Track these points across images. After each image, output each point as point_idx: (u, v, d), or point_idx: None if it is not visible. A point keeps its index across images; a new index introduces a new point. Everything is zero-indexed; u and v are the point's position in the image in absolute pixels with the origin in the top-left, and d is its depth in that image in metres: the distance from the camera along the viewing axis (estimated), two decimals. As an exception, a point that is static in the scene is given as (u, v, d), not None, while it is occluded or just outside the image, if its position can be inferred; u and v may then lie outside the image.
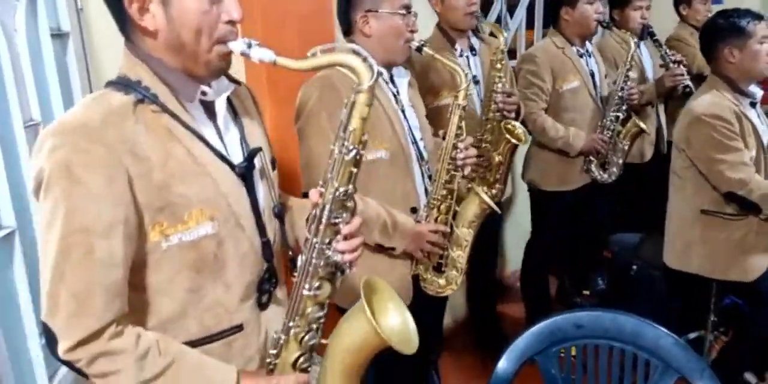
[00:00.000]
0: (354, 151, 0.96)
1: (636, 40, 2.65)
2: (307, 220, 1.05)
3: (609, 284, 2.93)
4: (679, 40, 3.28)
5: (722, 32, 2.04)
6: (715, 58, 2.09)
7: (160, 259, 0.96)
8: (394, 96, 1.65)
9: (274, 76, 1.84)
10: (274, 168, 1.15)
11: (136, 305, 0.97)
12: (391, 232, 1.57)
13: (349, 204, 1.00)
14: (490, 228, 2.43)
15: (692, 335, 2.39)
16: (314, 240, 1.00)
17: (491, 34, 2.33)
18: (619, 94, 2.55)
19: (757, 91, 2.08)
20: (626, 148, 2.63)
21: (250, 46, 0.95)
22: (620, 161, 2.62)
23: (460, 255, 1.69)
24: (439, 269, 1.74)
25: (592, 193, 2.65)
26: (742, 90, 2.06)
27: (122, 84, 0.96)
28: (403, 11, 1.57)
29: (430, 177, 1.69)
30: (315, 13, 1.91)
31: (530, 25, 3.48)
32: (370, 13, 1.57)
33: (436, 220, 1.67)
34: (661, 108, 3.10)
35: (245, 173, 1.04)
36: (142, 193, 0.92)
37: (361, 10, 1.58)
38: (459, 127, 1.62)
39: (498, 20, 3.18)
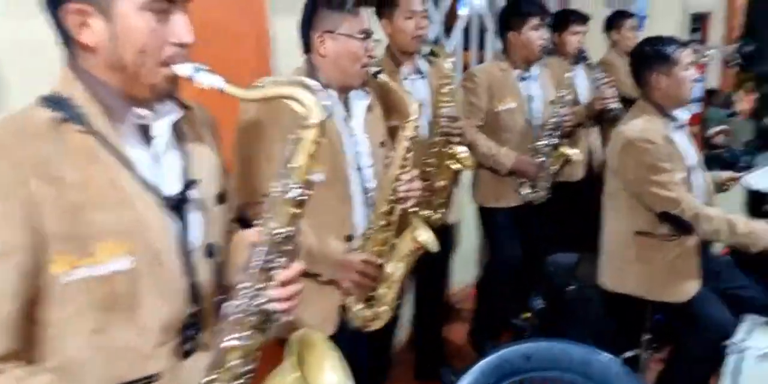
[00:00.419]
0: (296, 191, 0.90)
1: (572, 70, 2.76)
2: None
3: (547, 304, 2.94)
4: (609, 64, 3.42)
5: (649, 59, 2.11)
6: (643, 84, 2.16)
7: (63, 293, 0.86)
8: (345, 120, 1.59)
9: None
10: (222, 202, 1.06)
11: (36, 341, 0.87)
12: (318, 258, 1.50)
13: (288, 247, 0.92)
14: (441, 248, 2.40)
15: (628, 354, 2.42)
16: (246, 286, 0.91)
17: (432, 54, 2.33)
18: (553, 120, 2.60)
19: (683, 116, 2.16)
20: (554, 172, 2.68)
21: (197, 70, 0.90)
22: (548, 184, 2.67)
23: (389, 290, 1.62)
24: (367, 302, 1.67)
25: (527, 212, 2.68)
26: (669, 114, 2.13)
27: (51, 100, 0.89)
28: (361, 35, 1.52)
29: (372, 206, 1.63)
30: (250, 35, 1.81)
31: (467, 46, 3.52)
32: (328, 34, 1.52)
33: (371, 250, 1.60)
34: (595, 130, 3.19)
35: (177, 206, 0.95)
36: (49, 218, 0.83)
37: (319, 30, 1.53)
38: (404, 159, 1.57)
39: (435, 42, 3.19)
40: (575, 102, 3.09)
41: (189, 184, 0.97)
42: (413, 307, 2.67)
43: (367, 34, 1.53)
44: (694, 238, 2.06)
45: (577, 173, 3.12)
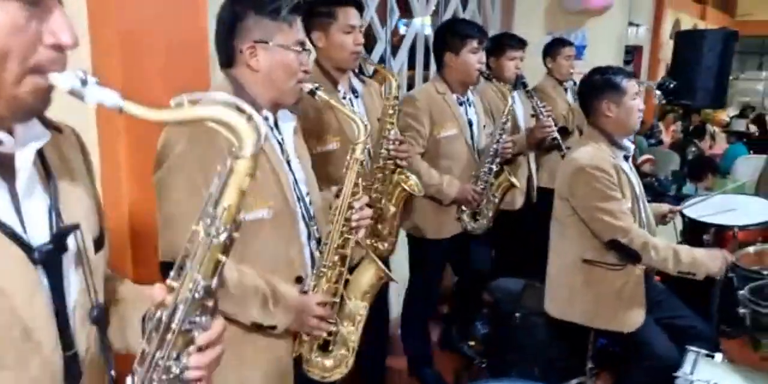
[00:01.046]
0: (225, 234, 0.72)
1: (512, 96, 2.73)
2: (144, 320, 0.79)
3: (492, 330, 2.90)
4: (543, 91, 3.46)
5: (600, 88, 2.13)
6: (593, 112, 2.16)
7: None
8: (280, 144, 1.41)
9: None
10: (99, 248, 0.86)
11: None
12: (272, 308, 1.32)
13: (209, 303, 0.75)
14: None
15: (574, 382, 2.40)
16: (156, 354, 0.75)
17: (372, 75, 2.23)
18: (494, 146, 2.55)
19: (630, 146, 2.18)
20: (497, 200, 2.63)
21: (84, 83, 0.68)
22: (490, 213, 2.61)
23: (351, 331, 1.48)
24: (325, 348, 1.51)
25: (467, 240, 2.62)
26: (618, 143, 2.15)
27: None
28: (298, 47, 1.35)
29: (318, 240, 1.47)
30: (188, 43, 1.64)
31: (411, 65, 3.49)
32: (260, 45, 1.32)
33: (323, 290, 1.44)
34: (532, 156, 3.21)
35: (48, 260, 0.75)
36: None
37: (248, 40, 1.32)
38: (356, 185, 1.42)
39: (381, 60, 3.13)
40: (516, 129, 3.09)
41: (64, 231, 0.77)
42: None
43: (302, 46, 1.36)
44: (640, 267, 2.07)
45: (518, 201, 3.10)
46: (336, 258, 1.43)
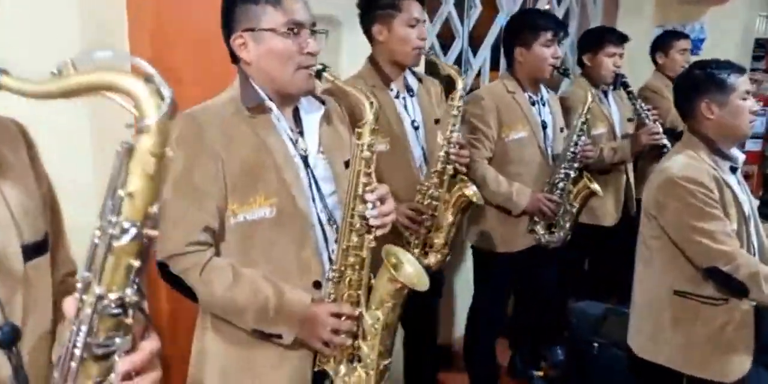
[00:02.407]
0: (132, 233, 0.57)
1: (596, 90, 2.39)
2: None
3: (568, 357, 2.58)
4: (654, 91, 3.06)
5: (700, 85, 1.77)
6: (690, 114, 1.81)
7: None
8: (292, 140, 1.29)
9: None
10: (39, 253, 0.78)
11: None
12: (273, 315, 1.21)
13: (127, 320, 0.61)
14: (431, 288, 2.11)
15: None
16: None
17: (434, 74, 2.05)
18: (572, 149, 2.24)
19: (739, 155, 1.80)
20: (575, 210, 2.31)
21: None
22: (568, 225, 2.31)
23: (365, 347, 1.29)
24: (352, 362, 1.34)
25: (542, 254, 2.33)
26: (722, 152, 1.78)
27: None
28: (287, 29, 1.20)
29: None
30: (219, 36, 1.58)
31: (495, 65, 3.22)
32: (248, 33, 1.21)
33: (342, 298, 1.29)
34: (630, 166, 2.82)
35: None
36: None
37: (237, 29, 1.22)
38: (367, 174, 1.24)
39: (459, 59, 2.91)
40: (613, 135, 2.74)
41: None
42: (403, 357, 2.34)
43: (298, 26, 1.21)
44: (748, 303, 1.69)
45: (608, 216, 2.75)
46: (351, 260, 1.27)
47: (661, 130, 2.60)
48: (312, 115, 1.34)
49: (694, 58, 3.17)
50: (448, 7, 2.81)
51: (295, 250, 1.27)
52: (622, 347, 2.01)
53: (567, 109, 2.51)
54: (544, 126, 2.28)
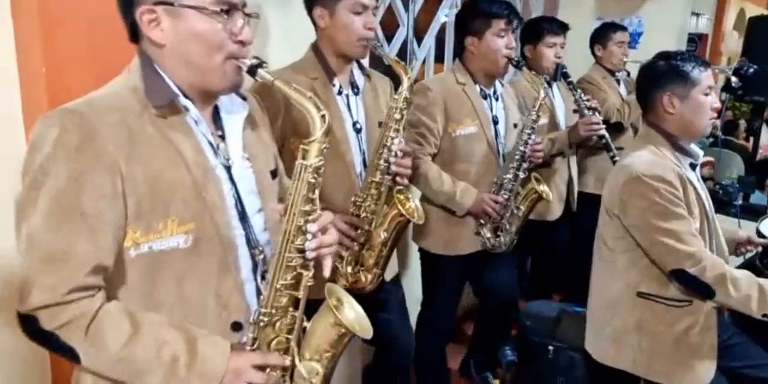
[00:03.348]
0: None
1: (545, 85, 2.29)
2: None
3: (521, 359, 2.50)
4: (591, 82, 3.03)
5: (662, 77, 1.70)
6: (651, 107, 1.74)
7: None
8: (213, 147, 1.05)
9: (61, 94, 1.23)
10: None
11: None
12: (185, 373, 0.95)
13: None
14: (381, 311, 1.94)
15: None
16: None
17: (378, 68, 1.83)
18: (521, 148, 2.11)
19: (698, 152, 1.75)
20: (522, 214, 2.20)
21: None
22: (514, 228, 2.19)
23: None
24: None
25: (490, 257, 2.21)
26: (683, 148, 1.72)
27: None
28: (218, 7, 0.96)
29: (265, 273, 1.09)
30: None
31: (440, 57, 3.09)
32: (162, 8, 0.95)
33: (269, 345, 1.06)
34: (573, 159, 2.77)
35: None
36: None
37: (147, 2, 0.95)
38: (310, 200, 1.01)
39: (403, 50, 2.75)
40: (554, 126, 2.67)
41: None
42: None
43: (230, 6, 0.97)
44: (711, 304, 1.64)
45: (554, 210, 2.69)
46: (284, 301, 1.04)
47: (600, 120, 2.55)
48: (234, 117, 1.10)
49: (631, 52, 3.21)
50: (390, -7, 2.64)
51: (213, 285, 1.03)
52: (579, 350, 1.94)
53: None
54: (495, 121, 2.13)
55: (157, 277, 0.97)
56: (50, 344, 0.92)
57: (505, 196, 2.11)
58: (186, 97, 1.01)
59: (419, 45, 2.87)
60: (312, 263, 1.04)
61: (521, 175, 2.13)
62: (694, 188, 1.67)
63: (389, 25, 2.71)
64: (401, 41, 2.73)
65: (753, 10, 8.57)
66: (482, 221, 2.11)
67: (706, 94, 1.66)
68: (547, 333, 2.18)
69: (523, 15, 3.51)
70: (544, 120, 2.56)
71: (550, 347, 2.13)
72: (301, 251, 1.01)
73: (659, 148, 1.69)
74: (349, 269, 1.65)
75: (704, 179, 4.36)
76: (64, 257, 0.89)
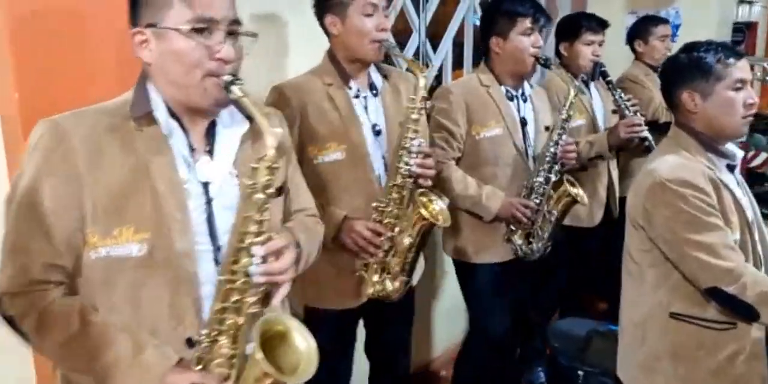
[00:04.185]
0: None
1: (578, 82, 2.13)
2: None
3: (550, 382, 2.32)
4: (634, 81, 2.83)
5: (683, 71, 1.52)
6: (674, 105, 1.56)
7: None
8: (187, 162, 1.05)
9: (36, 106, 1.22)
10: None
11: None
12: (120, 374, 0.95)
13: None
14: (401, 317, 1.88)
15: None
16: None
17: (407, 70, 1.78)
18: (551, 149, 1.98)
19: (736, 152, 1.54)
20: (554, 218, 2.04)
21: None
22: (547, 234, 2.04)
23: None
24: None
25: (520, 267, 2.07)
26: (716, 148, 1.52)
27: None
28: (189, 26, 0.97)
29: None
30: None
31: (458, 63, 2.95)
32: (150, 30, 1.00)
33: (211, 366, 1.00)
34: (613, 163, 2.57)
35: None
36: None
37: (141, 23, 1.01)
38: (256, 222, 0.96)
39: (416, 55, 2.63)
40: (594, 128, 2.50)
41: None
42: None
43: (206, 23, 0.98)
44: (759, 328, 1.42)
45: (596, 216, 2.50)
46: (228, 323, 0.99)
47: (642, 121, 2.36)
48: (231, 130, 1.10)
49: (675, 46, 2.97)
50: (402, -2, 2.53)
51: (167, 298, 1.01)
52: (611, 375, 1.75)
53: None
54: (524, 123, 2.02)
55: (114, 283, 1.00)
56: (11, 326, 1.00)
57: (537, 201, 1.98)
58: (173, 113, 1.04)
59: (435, 51, 2.74)
60: (260, 288, 0.99)
61: (553, 177, 2.01)
62: (732, 193, 1.47)
63: (401, 31, 2.61)
64: (414, 48, 2.62)
65: (813, -5, 7.96)
66: (513, 227, 2.00)
67: (737, 89, 1.46)
68: (576, 355, 2.00)
69: (549, 12, 3.36)
70: (580, 121, 2.44)
71: (580, 372, 1.95)
72: (247, 275, 0.97)
73: (689, 149, 1.51)
74: (376, 277, 1.62)
75: (761, 178, 4.04)
76: (23, 251, 0.97)
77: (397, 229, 1.61)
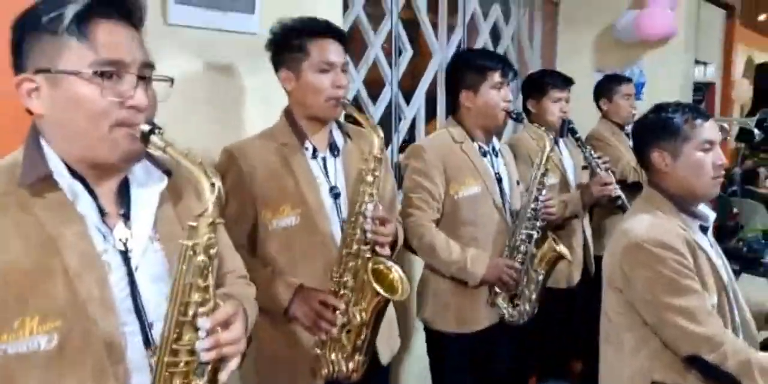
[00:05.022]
0: None
1: (552, 136, 2.12)
2: None
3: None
4: (599, 139, 2.86)
5: (652, 132, 1.53)
6: (646, 165, 1.56)
7: None
8: (100, 229, 0.90)
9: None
10: None
11: None
12: None
13: None
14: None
15: None
16: None
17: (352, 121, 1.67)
18: (532, 206, 1.94)
19: (708, 213, 1.54)
20: (541, 277, 1.98)
21: None
22: (534, 296, 1.97)
23: None
24: None
25: (501, 331, 1.97)
26: (689, 209, 1.51)
27: None
28: (98, 70, 0.84)
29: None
30: None
31: (431, 114, 2.97)
32: (42, 76, 0.86)
33: None
34: (586, 220, 2.55)
35: None
36: None
37: (28, 69, 0.87)
38: (200, 288, 0.83)
39: (389, 107, 2.63)
40: (566, 186, 2.48)
41: None
42: None
43: (113, 66, 0.85)
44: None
45: (571, 277, 2.44)
46: None
47: (613, 179, 2.37)
48: (146, 190, 0.96)
49: (638, 104, 3.05)
50: (374, 51, 2.55)
51: None
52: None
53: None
54: (499, 179, 1.97)
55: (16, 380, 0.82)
56: None
57: (520, 260, 1.91)
58: (73, 172, 0.89)
59: (408, 103, 2.75)
60: (209, 367, 0.85)
61: (535, 234, 1.95)
62: (707, 255, 1.45)
63: (374, 84, 2.62)
64: (387, 100, 2.62)
65: (760, 57, 8.49)
66: (497, 290, 1.91)
67: (705, 150, 1.47)
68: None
69: (519, 68, 3.45)
70: (554, 179, 2.40)
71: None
72: (192, 353, 0.84)
73: (662, 209, 1.49)
74: (333, 356, 1.44)
75: (732, 230, 4.08)
76: None
77: (352, 303, 1.43)
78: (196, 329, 0.83)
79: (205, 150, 1.50)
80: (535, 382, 2.17)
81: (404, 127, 2.73)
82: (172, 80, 0.93)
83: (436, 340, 2.01)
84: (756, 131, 2.66)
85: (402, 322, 1.81)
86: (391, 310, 1.62)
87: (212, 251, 0.83)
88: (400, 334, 1.73)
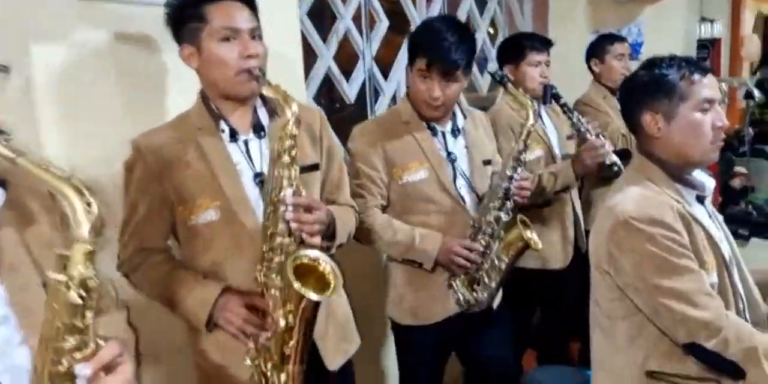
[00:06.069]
0: None
1: (535, 108, 1.91)
2: None
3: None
4: (588, 104, 2.65)
5: (643, 91, 1.35)
6: (636, 129, 1.39)
7: None
8: None
9: None
10: None
11: None
12: None
13: None
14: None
15: None
16: None
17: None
18: (504, 185, 1.73)
19: (706, 181, 1.37)
20: (504, 265, 1.76)
21: None
22: (494, 284, 1.76)
23: None
24: None
25: (472, 319, 1.79)
26: (684, 178, 1.35)
27: None
28: None
29: None
30: None
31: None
32: None
33: None
34: (575, 193, 2.34)
35: None
36: None
37: None
38: (75, 330, 0.71)
39: (362, 88, 2.44)
40: (552, 158, 2.27)
41: None
42: None
43: None
44: (745, 386, 1.23)
45: (565, 256, 2.26)
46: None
47: (605, 143, 2.15)
48: None
49: (633, 64, 2.84)
50: (345, 23, 2.37)
51: None
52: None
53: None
54: (453, 160, 1.75)
55: None
56: None
57: (483, 242, 1.72)
58: None
59: (386, 79, 2.58)
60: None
61: (504, 216, 1.73)
62: (704, 228, 1.29)
63: (349, 59, 2.45)
64: (362, 77, 2.45)
65: (773, 11, 8.06)
66: (455, 272, 1.74)
67: (704, 110, 1.29)
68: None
69: (509, 33, 3.24)
70: (538, 152, 2.19)
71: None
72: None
73: (653, 179, 1.33)
74: (269, 367, 1.25)
75: (741, 192, 3.88)
76: None
77: (279, 305, 1.21)
78: (73, 379, 0.70)
79: (124, 137, 1.33)
80: (535, 363, 2.04)
81: (384, 104, 2.56)
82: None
83: (398, 333, 1.86)
84: (756, 93, 2.44)
85: (369, 318, 1.67)
86: (346, 307, 1.49)
87: (91, 283, 0.70)
88: (374, 331, 1.59)
